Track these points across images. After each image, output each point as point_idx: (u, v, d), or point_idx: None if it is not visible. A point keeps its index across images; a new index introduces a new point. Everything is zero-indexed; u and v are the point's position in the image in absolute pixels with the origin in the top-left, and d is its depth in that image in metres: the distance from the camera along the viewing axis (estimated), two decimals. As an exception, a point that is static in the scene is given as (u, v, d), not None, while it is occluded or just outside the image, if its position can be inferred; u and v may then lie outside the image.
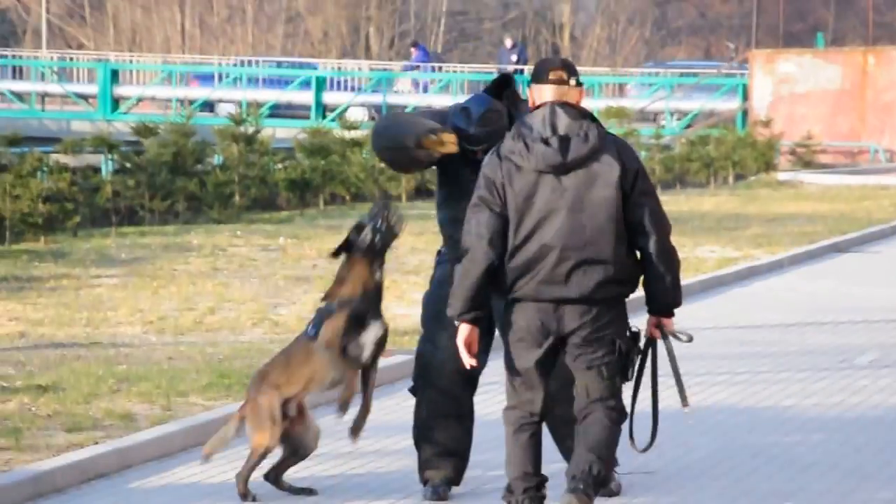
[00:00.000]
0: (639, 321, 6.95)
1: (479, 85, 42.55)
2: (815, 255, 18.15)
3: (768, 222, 21.57)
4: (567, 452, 7.23)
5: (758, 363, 11.30)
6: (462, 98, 35.46)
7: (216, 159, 22.92)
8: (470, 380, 7.69)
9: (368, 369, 7.79)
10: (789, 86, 37.14)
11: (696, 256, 16.85)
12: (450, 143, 7.52)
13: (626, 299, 6.85)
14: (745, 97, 37.93)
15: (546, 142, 6.67)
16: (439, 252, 8.01)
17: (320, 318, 7.78)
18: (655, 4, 70.50)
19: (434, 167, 7.76)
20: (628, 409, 6.93)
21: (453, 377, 7.65)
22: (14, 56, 47.48)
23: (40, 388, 9.59)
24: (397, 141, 7.64)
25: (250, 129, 23.31)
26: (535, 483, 6.83)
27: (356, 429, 7.79)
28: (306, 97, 40.48)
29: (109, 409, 9.12)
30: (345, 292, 7.76)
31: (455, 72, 45.37)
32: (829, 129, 36.35)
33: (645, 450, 7.07)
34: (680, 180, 29.57)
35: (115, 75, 41.59)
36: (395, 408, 9.76)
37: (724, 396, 9.86)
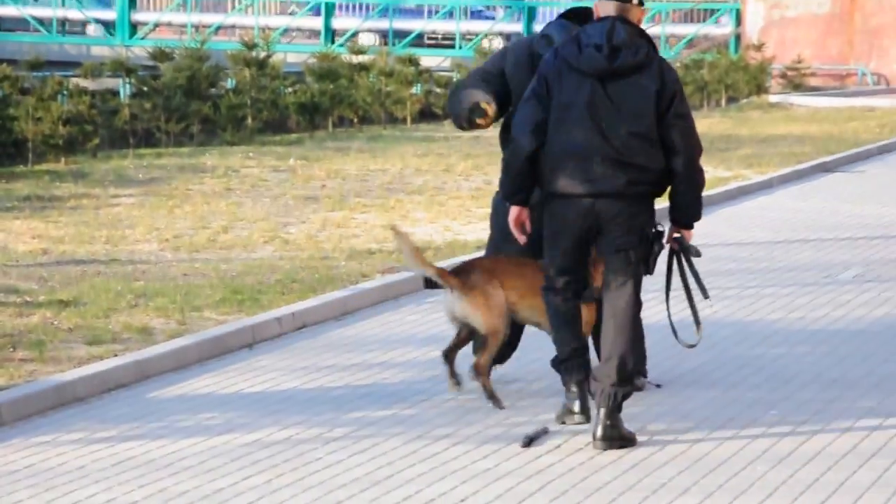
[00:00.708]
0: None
1: (482, 9, 42.37)
2: (803, 175, 18.14)
3: (759, 143, 21.54)
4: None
5: (746, 279, 11.33)
6: (465, 23, 34.64)
7: (229, 83, 22.87)
8: None
9: None
10: (780, 10, 36.95)
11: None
12: (493, 112, 7.88)
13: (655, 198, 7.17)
14: (738, 22, 37.74)
15: (598, 48, 6.98)
16: None
17: None
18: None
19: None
20: (664, 312, 7.36)
21: None
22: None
23: (62, 303, 9.64)
24: (456, 122, 8.05)
25: (262, 54, 23.23)
26: (581, 351, 7.22)
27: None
28: (316, 22, 40.27)
29: (128, 322, 9.16)
30: None
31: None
32: (818, 53, 36.21)
33: (693, 345, 7.44)
34: (674, 103, 29.46)
35: (132, 2, 41.38)
36: (400, 322, 9.81)
37: (714, 311, 9.87)
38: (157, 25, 41.09)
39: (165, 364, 8.43)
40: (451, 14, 40.68)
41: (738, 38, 37.31)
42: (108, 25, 41.35)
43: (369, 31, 39.92)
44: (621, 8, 7.11)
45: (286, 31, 39.59)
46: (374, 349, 9.01)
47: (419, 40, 39.08)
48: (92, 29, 42.23)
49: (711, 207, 15.34)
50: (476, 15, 41.77)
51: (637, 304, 7.17)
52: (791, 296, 10.70)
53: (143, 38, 39.04)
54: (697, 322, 7.43)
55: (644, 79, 7.01)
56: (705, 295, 7.39)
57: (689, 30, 38.48)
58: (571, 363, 7.23)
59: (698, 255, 7.33)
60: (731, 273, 11.43)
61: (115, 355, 8.41)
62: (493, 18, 41.15)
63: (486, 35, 38.25)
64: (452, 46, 38.70)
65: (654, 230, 7.16)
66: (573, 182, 7.02)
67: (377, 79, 25.02)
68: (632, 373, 7.09)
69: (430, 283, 10.71)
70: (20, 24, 41.76)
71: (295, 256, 11.65)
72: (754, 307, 10.30)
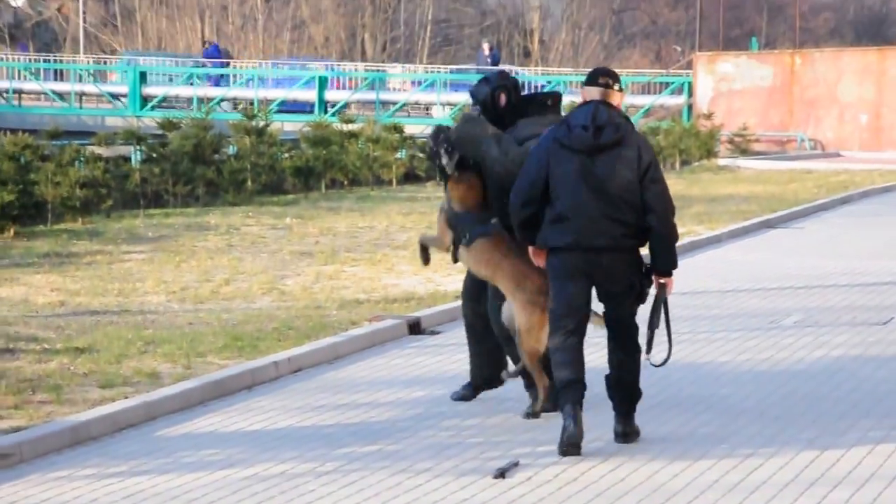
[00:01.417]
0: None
1: (461, 83, 42.56)
2: (749, 231, 18.18)
3: (709, 202, 21.60)
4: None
5: (698, 324, 11.33)
6: (443, 95, 34.61)
7: (231, 149, 22.90)
8: None
9: None
10: (728, 83, 37.16)
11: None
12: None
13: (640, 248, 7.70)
14: (690, 93, 37.94)
15: (585, 128, 7.51)
16: None
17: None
18: (613, 13, 70.41)
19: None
20: (644, 336, 7.71)
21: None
22: (55, 60, 47.28)
23: (77, 350, 9.60)
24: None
25: (261, 123, 23.28)
26: (580, 383, 7.56)
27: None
28: (310, 95, 40.37)
29: (138, 367, 9.13)
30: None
31: (439, 72, 45.29)
32: (762, 121, 36.40)
33: (660, 365, 7.81)
34: (633, 166, 29.54)
35: (143, 77, 41.45)
36: (386, 365, 9.78)
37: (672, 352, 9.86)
38: (164, 98, 41.14)
39: (172, 405, 8.40)
40: (432, 86, 40.81)
41: (690, 107, 37.49)
42: (120, 98, 41.40)
43: (357, 101, 40.01)
44: (604, 93, 7.63)
45: (284, 102, 39.65)
46: (362, 390, 8.98)
47: (403, 110, 39.23)
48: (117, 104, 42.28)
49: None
50: (455, 87, 41.94)
51: (635, 328, 7.70)
52: (739, 339, 10.71)
53: (152, 110, 39.07)
54: (670, 344, 7.83)
55: (624, 150, 7.51)
56: (647, 349, 7.76)
57: (646, 100, 38.65)
58: (570, 390, 7.52)
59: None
60: (685, 319, 11.43)
61: (126, 397, 8.37)
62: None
63: (463, 105, 38.35)
64: (433, 115, 38.81)
65: (643, 270, 7.66)
66: (576, 236, 7.48)
67: (365, 145, 25.07)
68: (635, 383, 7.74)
69: (413, 330, 10.72)
70: (41, 98, 41.80)
71: (291, 306, 11.63)
72: (706, 350, 10.30)
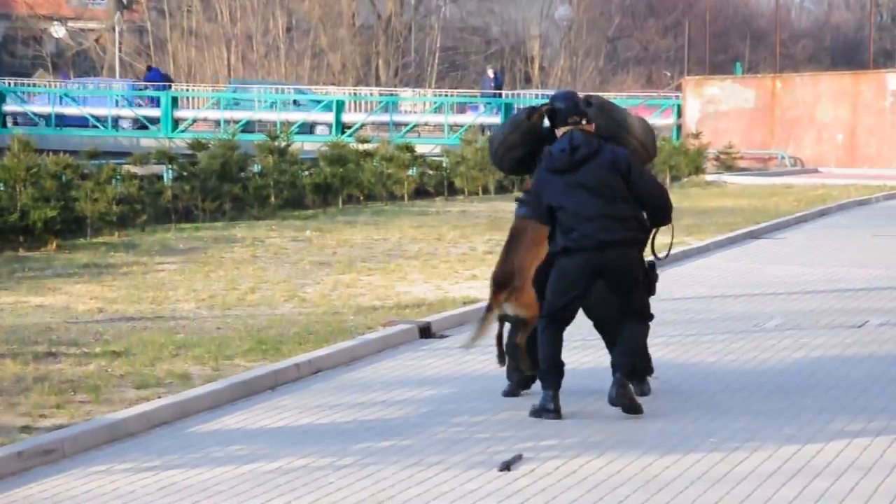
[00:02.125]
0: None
1: (466, 106, 42.53)
2: (735, 241, 18.14)
3: (698, 214, 21.57)
4: (611, 346, 8.32)
5: (688, 327, 11.30)
6: (451, 116, 34.61)
7: (256, 168, 22.89)
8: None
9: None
10: (714, 105, 37.12)
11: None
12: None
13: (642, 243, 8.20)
14: (679, 114, 37.90)
15: (563, 151, 8.07)
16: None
17: None
18: (607, 40, 70.39)
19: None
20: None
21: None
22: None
23: (115, 354, 9.60)
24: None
25: (283, 144, 23.29)
26: (559, 365, 8.04)
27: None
28: (328, 117, 40.40)
29: (170, 369, 9.12)
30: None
31: (447, 95, 45.33)
32: (745, 140, 36.34)
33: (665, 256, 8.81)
34: (627, 181, 29.48)
35: (174, 101, 41.49)
36: (399, 367, 9.76)
37: (662, 354, 9.86)
38: (195, 121, 41.19)
39: (202, 404, 8.39)
40: (440, 109, 40.81)
41: (679, 127, 37.44)
42: (154, 121, 41.44)
43: (372, 123, 40.02)
44: (576, 125, 8.22)
45: (304, 124, 39.67)
46: (377, 390, 8.97)
47: (414, 130, 39.23)
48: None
49: (659, 268, 15.32)
50: (461, 109, 41.93)
51: (646, 329, 8.19)
52: (725, 341, 10.68)
53: (183, 131, 39.11)
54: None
55: (601, 159, 8.03)
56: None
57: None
58: (550, 372, 8.00)
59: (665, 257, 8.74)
60: (676, 323, 11.41)
61: (160, 397, 8.37)
62: (476, 111, 41.29)
63: (470, 126, 38.34)
64: (442, 136, 38.82)
65: (646, 265, 8.18)
66: (581, 237, 7.92)
67: (380, 163, 25.07)
68: (636, 370, 8.29)
69: (424, 334, 10.70)
70: (81, 121, 41.88)
71: (311, 312, 11.62)
72: (695, 351, 10.28)
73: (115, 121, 41.61)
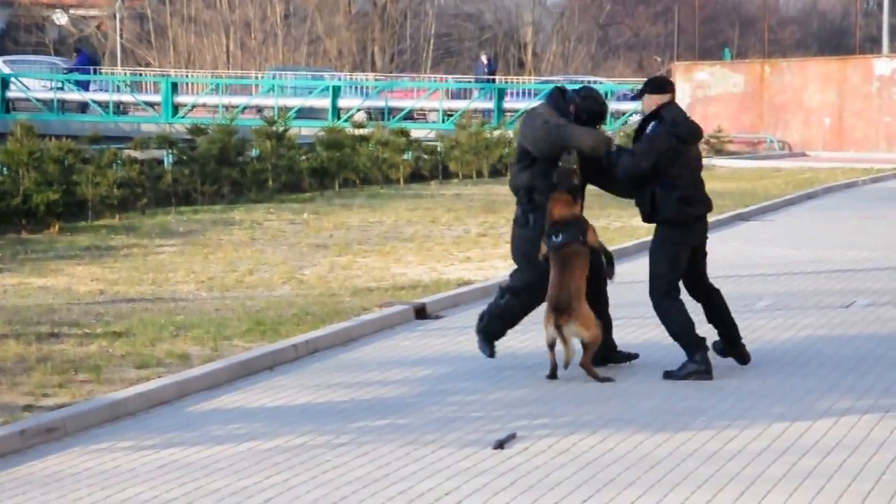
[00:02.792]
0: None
1: (462, 91, 42.43)
2: (725, 223, 18.12)
3: (687, 197, 21.49)
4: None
5: (678, 308, 11.24)
6: (447, 102, 34.65)
7: (254, 152, 22.83)
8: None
9: None
10: (703, 90, 37.07)
11: (631, 225, 16.83)
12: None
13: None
14: (669, 99, 37.80)
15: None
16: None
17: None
18: (599, 27, 70.28)
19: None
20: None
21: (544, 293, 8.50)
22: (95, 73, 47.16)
23: (115, 334, 9.58)
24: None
25: (280, 129, 23.23)
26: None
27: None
28: (325, 102, 40.30)
29: (170, 350, 9.10)
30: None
31: (442, 80, 45.25)
32: (734, 124, 36.32)
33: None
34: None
35: (174, 87, 41.39)
36: (395, 347, 9.74)
37: (654, 335, 9.84)
38: (194, 106, 41.10)
39: (201, 384, 8.37)
40: (435, 93, 40.72)
41: (669, 112, 37.36)
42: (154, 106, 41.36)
43: (367, 108, 39.93)
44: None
45: (301, 110, 39.58)
46: (373, 370, 8.95)
47: (409, 116, 39.16)
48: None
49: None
50: (457, 94, 41.84)
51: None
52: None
53: (183, 117, 39.01)
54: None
55: None
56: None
57: (630, 106, 38.54)
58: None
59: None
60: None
61: (160, 377, 8.35)
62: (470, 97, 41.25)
63: (464, 111, 38.28)
64: (437, 121, 38.75)
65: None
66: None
67: (375, 148, 25.01)
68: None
69: (420, 315, 10.68)
70: (82, 107, 41.78)
71: (308, 294, 11.59)
72: (685, 332, 10.23)
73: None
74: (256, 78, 45.03)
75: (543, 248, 8.48)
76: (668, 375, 8.52)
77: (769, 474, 6.62)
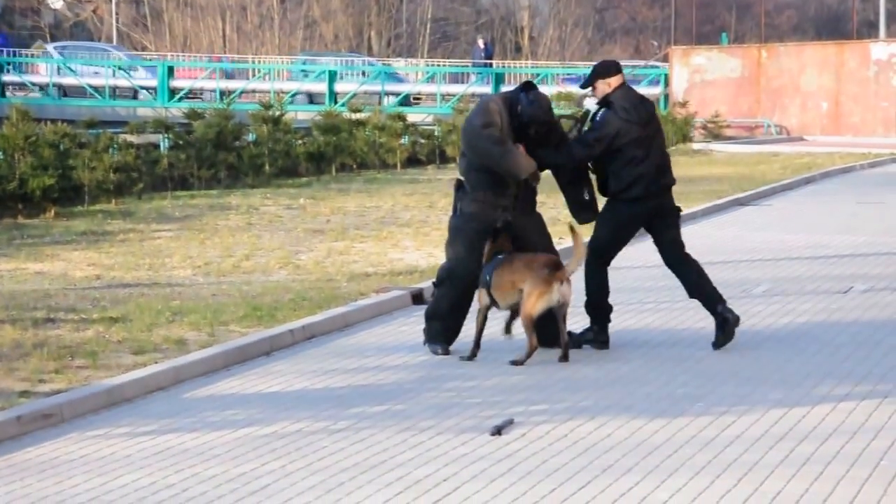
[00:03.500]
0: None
1: (459, 75, 42.35)
2: (722, 208, 18.12)
3: (685, 182, 21.44)
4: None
5: (676, 294, 11.19)
6: (444, 85, 34.72)
7: (250, 137, 22.81)
8: (475, 283, 8.64)
9: None
10: (701, 75, 37.02)
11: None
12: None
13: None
14: (667, 84, 37.80)
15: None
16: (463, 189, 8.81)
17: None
18: (596, 11, 70.17)
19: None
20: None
21: (470, 282, 8.61)
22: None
23: (112, 320, 9.56)
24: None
25: (277, 113, 23.18)
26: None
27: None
28: (322, 87, 40.24)
29: (166, 335, 9.08)
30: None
31: (439, 65, 45.17)
32: (732, 109, 36.28)
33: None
34: (615, 150, 29.36)
35: (171, 71, 41.31)
36: (392, 332, 9.73)
37: (651, 320, 9.83)
38: (190, 90, 41.02)
39: (197, 369, 8.35)
40: (432, 78, 40.66)
41: (666, 96, 37.35)
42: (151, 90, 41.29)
43: (364, 92, 39.88)
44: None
45: (297, 94, 39.51)
46: (370, 355, 8.93)
47: (406, 100, 39.10)
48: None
49: (647, 236, 15.26)
50: (454, 79, 41.77)
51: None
52: (713, 307, 10.62)
53: (179, 101, 38.95)
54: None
55: None
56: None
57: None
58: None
59: None
60: (665, 289, 11.37)
61: (156, 362, 8.33)
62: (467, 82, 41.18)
63: (461, 96, 38.22)
64: (434, 105, 38.69)
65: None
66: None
67: (372, 132, 24.98)
68: None
69: (417, 300, 10.66)
70: (79, 91, 41.72)
71: (305, 279, 11.58)
72: (683, 317, 10.25)
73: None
74: (253, 62, 44.91)
75: (483, 294, 8.59)
76: (570, 336, 8.73)
77: (767, 460, 6.61)
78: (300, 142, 23.67)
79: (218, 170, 20.97)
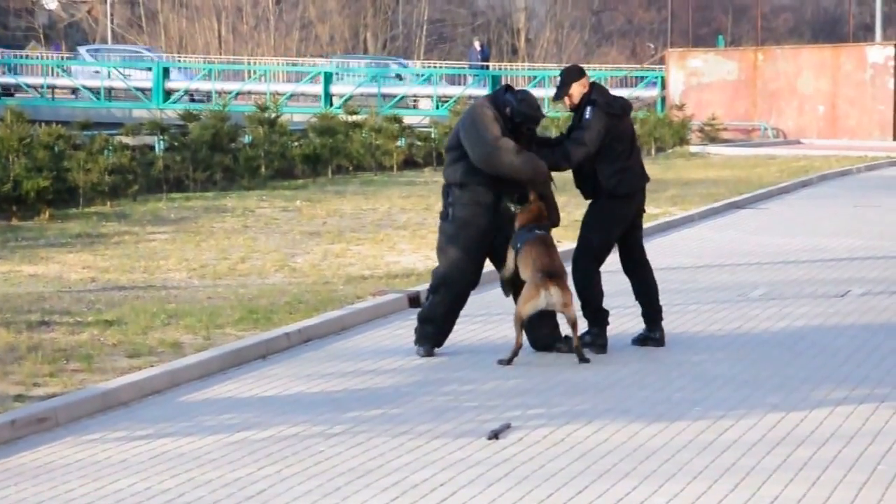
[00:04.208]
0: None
1: (455, 77, 42.36)
2: (719, 211, 18.12)
3: (682, 186, 21.53)
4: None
5: (673, 297, 11.25)
6: (441, 87, 34.66)
7: (246, 139, 22.78)
8: (469, 289, 8.79)
9: None
10: (697, 77, 37.03)
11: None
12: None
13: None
14: (664, 86, 37.81)
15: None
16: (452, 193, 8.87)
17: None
18: (592, 13, 70.19)
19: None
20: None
21: (464, 287, 8.73)
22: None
23: (107, 323, 9.54)
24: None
25: (273, 115, 23.17)
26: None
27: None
28: (317, 89, 40.21)
29: (162, 338, 9.07)
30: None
31: (435, 67, 45.17)
32: (728, 112, 36.28)
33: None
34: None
35: (166, 73, 41.27)
36: (389, 336, 9.72)
37: (647, 324, 9.80)
38: (186, 92, 40.99)
39: (193, 373, 8.34)
40: (428, 80, 40.66)
41: (663, 99, 37.35)
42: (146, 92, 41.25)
43: (361, 94, 39.86)
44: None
45: (292, 95, 39.49)
46: (367, 359, 8.93)
47: (402, 102, 39.10)
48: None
49: (645, 239, 15.27)
50: (450, 81, 41.77)
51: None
52: (710, 311, 10.65)
53: (174, 103, 38.91)
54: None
55: None
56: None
57: (623, 93, 38.53)
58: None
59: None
60: (662, 293, 11.30)
61: (151, 366, 8.32)
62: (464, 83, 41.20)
63: (458, 98, 38.24)
64: (430, 107, 38.69)
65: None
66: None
67: (368, 134, 24.96)
68: None
69: (413, 303, 10.65)
70: (74, 93, 41.69)
71: (301, 282, 11.57)
72: (680, 321, 10.25)
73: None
74: (249, 63, 44.89)
75: (511, 257, 8.61)
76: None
77: (764, 465, 6.60)
78: (296, 144, 23.63)
79: (214, 172, 20.94)
